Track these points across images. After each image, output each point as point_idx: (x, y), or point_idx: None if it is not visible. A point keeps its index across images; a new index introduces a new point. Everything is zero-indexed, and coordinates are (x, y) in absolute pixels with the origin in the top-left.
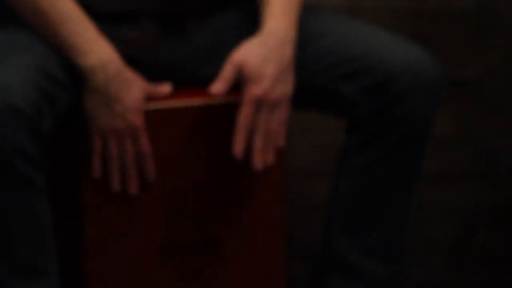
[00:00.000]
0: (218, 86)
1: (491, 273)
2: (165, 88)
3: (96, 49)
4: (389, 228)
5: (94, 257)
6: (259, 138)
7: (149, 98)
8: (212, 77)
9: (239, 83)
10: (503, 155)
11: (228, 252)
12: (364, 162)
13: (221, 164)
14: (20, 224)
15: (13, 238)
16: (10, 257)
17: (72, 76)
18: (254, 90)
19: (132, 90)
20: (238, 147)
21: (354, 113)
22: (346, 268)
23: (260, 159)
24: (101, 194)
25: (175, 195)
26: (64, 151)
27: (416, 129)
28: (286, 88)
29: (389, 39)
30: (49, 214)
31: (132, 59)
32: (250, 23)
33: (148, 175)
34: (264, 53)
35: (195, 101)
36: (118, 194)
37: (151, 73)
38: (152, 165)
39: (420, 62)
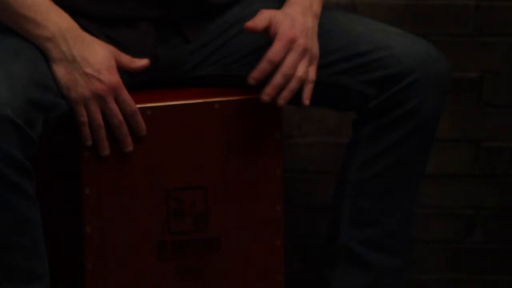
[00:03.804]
0: (254, 22)
1: (491, 273)
2: (143, 61)
3: (52, 18)
4: (396, 220)
5: (94, 257)
6: (281, 76)
7: (126, 69)
8: (211, 76)
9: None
10: (502, 154)
11: (228, 250)
12: (372, 155)
13: (221, 164)
14: (9, 230)
15: (2, 244)
16: (0, 263)
17: None
18: (287, 31)
19: (97, 50)
20: (254, 74)
21: (365, 106)
22: (353, 260)
23: (271, 94)
24: (101, 193)
25: (175, 194)
26: (63, 150)
27: (426, 122)
28: (313, 46)
29: (397, 33)
30: (39, 220)
31: None
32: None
33: (140, 130)
34: (289, 18)
35: (196, 99)
36: (118, 193)
37: (150, 74)
38: (141, 119)
39: (430, 55)
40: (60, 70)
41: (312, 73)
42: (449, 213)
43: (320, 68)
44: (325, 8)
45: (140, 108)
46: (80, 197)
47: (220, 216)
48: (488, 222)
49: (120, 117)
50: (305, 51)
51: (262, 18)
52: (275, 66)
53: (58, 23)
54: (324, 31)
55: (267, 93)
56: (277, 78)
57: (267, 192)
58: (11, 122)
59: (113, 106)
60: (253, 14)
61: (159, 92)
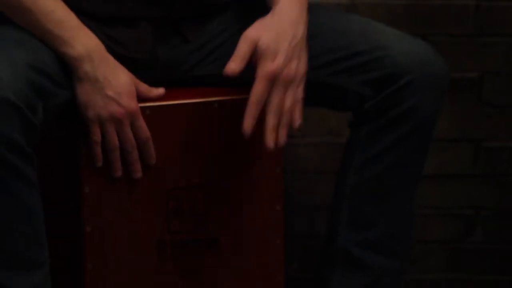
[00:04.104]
0: (234, 65)
1: (490, 273)
2: (160, 90)
3: (80, 37)
4: (395, 222)
5: (93, 256)
6: (273, 116)
7: (143, 97)
8: (210, 76)
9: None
10: (502, 154)
11: (228, 249)
12: (370, 156)
13: (221, 163)
14: (10, 216)
15: (2, 230)
16: (0, 249)
17: (66, 71)
18: (268, 66)
19: (120, 74)
20: (248, 122)
21: (361, 107)
22: (351, 263)
23: (273, 138)
24: (101, 193)
25: (175, 194)
26: (64, 149)
27: (424, 123)
28: (300, 65)
29: (395, 33)
30: (40, 206)
31: (130, 59)
32: (250, 22)
33: (150, 157)
34: (278, 30)
35: (195, 98)
36: (118, 193)
37: (149, 74)
38: (152, 147)
39: (427, 55)
40: (81, 89)
41: (299, 93)
42: (449, 213)
43: (317, 68)
44: (324, 7)
45: (139, 107)
46: (80, 196)
47: (219, 216)
48: (488, 222)
49: (133, 142)
50: (290, 81)
51: (239, 57)
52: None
53: (86, 42)
54: (322, 30)
55: (269, 138)
56: (270, 121)
57: (267, 192)
58: (12, 105)
59: (128, 130)
60: (253, 13)
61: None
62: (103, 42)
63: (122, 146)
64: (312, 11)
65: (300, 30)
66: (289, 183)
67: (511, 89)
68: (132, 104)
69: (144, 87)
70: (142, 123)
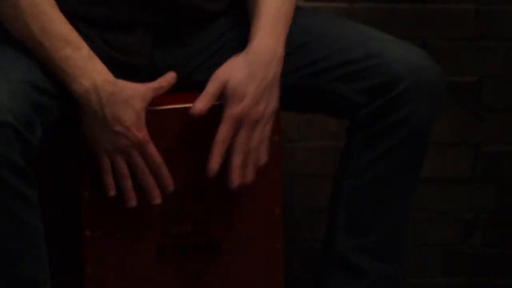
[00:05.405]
0: (201, 104)
1: (490, 276)
2: (169, 76)
3: (88, 73)
4: (391, 228)
5: (93, 260)
6: (238, 156)
7: (160, 94)
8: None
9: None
10: (501, 158)
11: (228, 253)
12: (366, 162)
13: (221, 167)
14: (10, 237)
15: (4, 251)
16: (1, 269)
17: (61, 85)
18: (234, 109)
19: (129, 107)
20: (213, 163)
21: (356, 114)
22: (348, 268)
23: (237, 177)
24: (101, 196)
25: (175, 195)
26: (63, 153)
27: (419, 129)
28: (268, 105)
29: (390, 40)
30: (40, 226)
31: (128, 64)
32: (248, 26)
33: (165, 185)
34: (248, 72)
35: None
36: (117, 197)
37: (148, 79)
38: (166, 173)
39: (422, 63)
40: (88, 124)
41: (266, 132)
42: (448, 216)
43: (312, 75)
44: (319, 13)
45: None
46: (80, 200)
47: (219, 220)
48: (488, 226)
49: (145, 169)
50: (257, 121)
51: (207, 97)
52: (229, 145)
53: (93, 78)
54: (318, 37)
55: (233, 178)
56: (235, 161)
57: (266, 195)
58: (12, 128)
59: (137, 159)
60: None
61: (158, 96)
62: (101, 48)
63: (134, 175)
64: (308, 17)
65: (272, 70)
66: (289, 187)
67: (510, 93)
68: (139, 135)
69: (157, 86)
70: (151, 151)
